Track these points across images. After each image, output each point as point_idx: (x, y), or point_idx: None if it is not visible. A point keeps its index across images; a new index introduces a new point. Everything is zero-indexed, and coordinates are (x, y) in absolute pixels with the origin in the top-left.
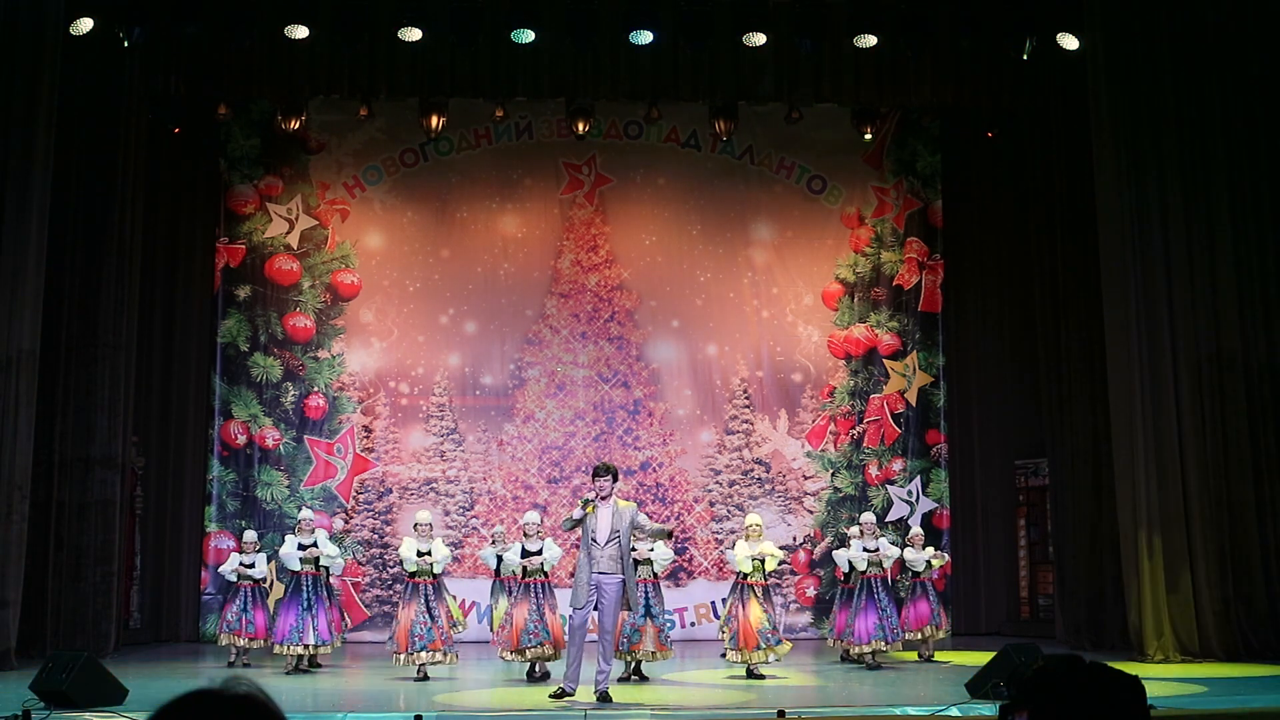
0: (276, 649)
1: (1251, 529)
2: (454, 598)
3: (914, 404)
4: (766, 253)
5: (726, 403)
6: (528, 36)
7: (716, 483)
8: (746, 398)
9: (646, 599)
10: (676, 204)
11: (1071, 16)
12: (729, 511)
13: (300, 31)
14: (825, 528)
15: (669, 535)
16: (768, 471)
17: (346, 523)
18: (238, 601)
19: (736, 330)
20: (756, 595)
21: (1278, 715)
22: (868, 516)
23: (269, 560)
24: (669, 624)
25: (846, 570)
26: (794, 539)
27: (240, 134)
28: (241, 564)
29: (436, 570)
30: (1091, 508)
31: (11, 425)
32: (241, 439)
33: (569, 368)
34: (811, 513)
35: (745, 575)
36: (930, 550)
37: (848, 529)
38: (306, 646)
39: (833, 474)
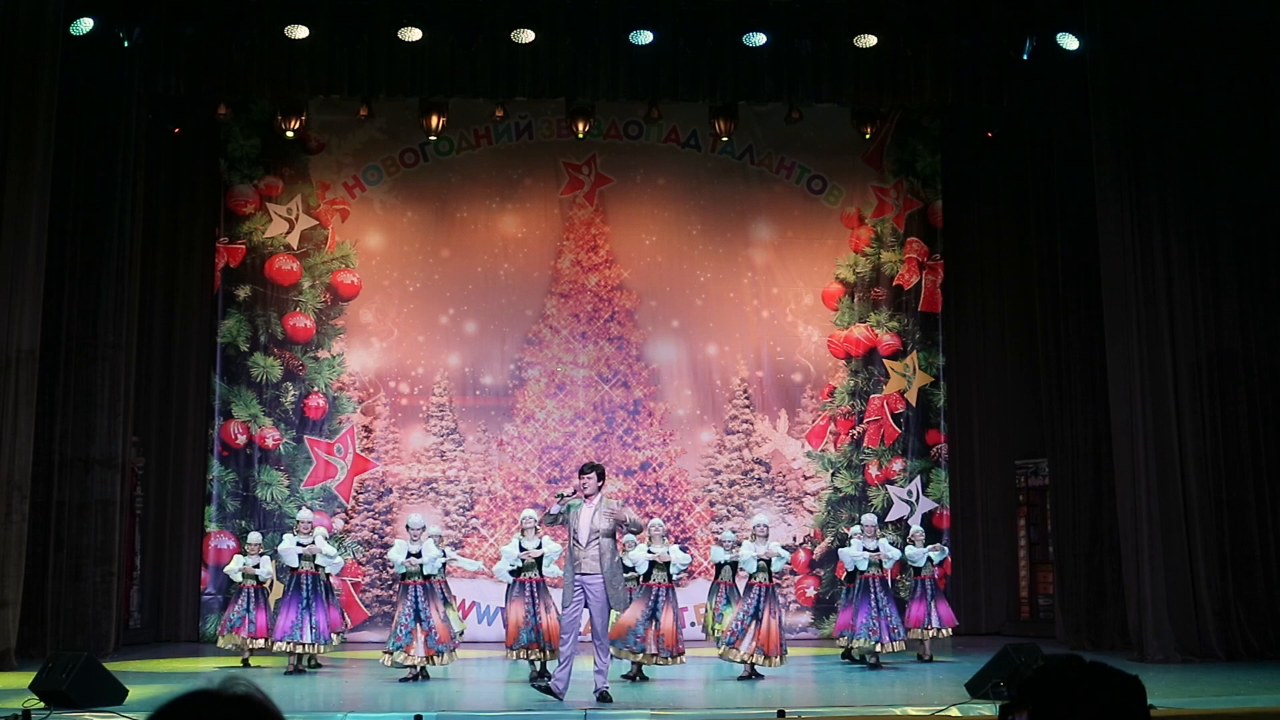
0: (275, 647)
1: (1251, 529)
2: (451, 599)
3: (914, 404)
4: (766, 253)
5: (726, 403)
6: (528, 36)
7: (716, 483)
8: (746, 398)
9: (657, 602)
10: (676, 204)
11: (1071, 16)
12: (729, 511)
13: (300, 31)
14: (825, 528)
15: (638, 530)
16: (768, 471)
17: (346, 523)
18: (240, 602)
19: (736, 330)
20: (775, 598)
21: (1278, 715)
22: (869, 518)
23: (272, 560)
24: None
25: (850, 569)
26: (794, 539)
27: (240, 134)
28: (246, 565)
29: (427, 571)
30: (1091, 508)
31: (11, 425)
32: (241, 439)
33: (569, 368)
34: (811, 513)
35: (753, 576)
36: (933, 545)
37: (848, 529)
38: (304, 645)
39: (833, 474)
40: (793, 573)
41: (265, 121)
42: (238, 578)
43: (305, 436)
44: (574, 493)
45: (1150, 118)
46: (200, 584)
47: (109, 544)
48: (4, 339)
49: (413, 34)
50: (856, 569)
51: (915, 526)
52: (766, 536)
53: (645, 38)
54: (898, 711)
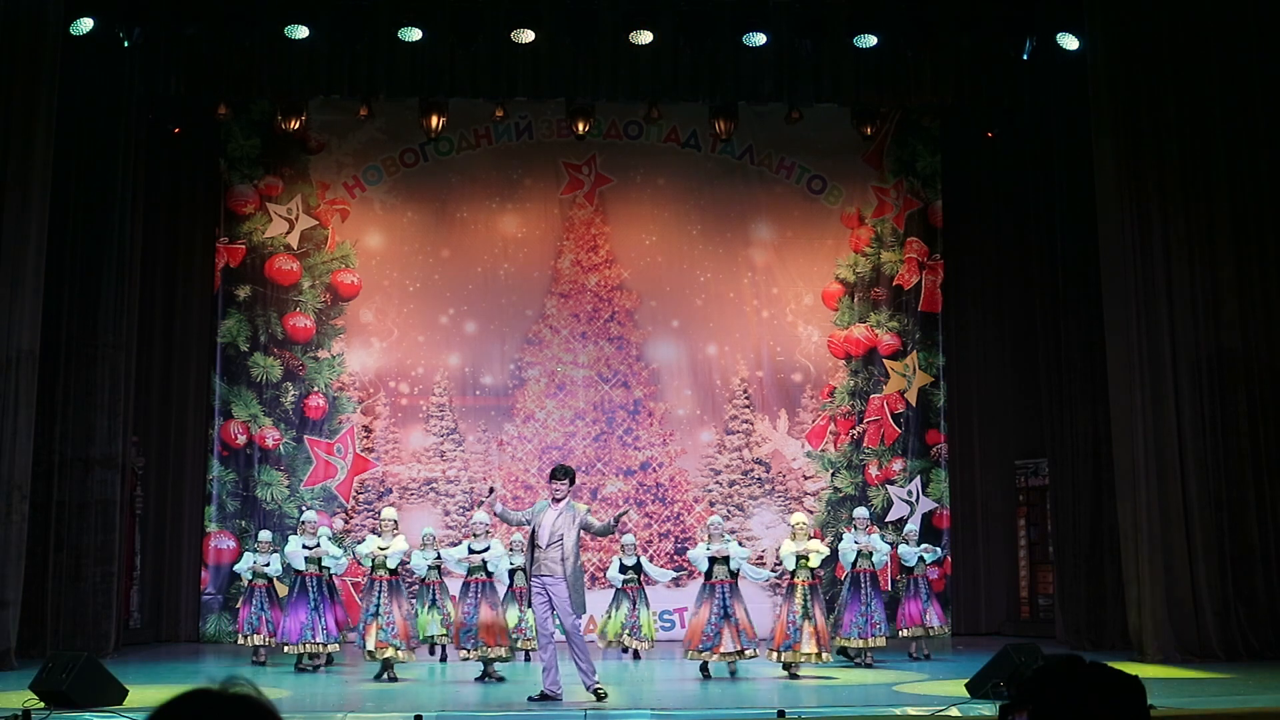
0: (288, 649)
1: (1251, 529)
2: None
3: (914, 404)
4: (766, 253)
5: (726, 403)
6: (528, 36)
7: (716, 483)
8: (746, 398)
9: (725, 598)
10: (676, 204)
11: (1071, 16)
12: (729, 511)
13: (300, 31)
14: (825, 528)
15: (611, 531)
16: (768, 471)
17: (346, 523)
18: (254, 601)
19: (736, 330)
20: (819, 595)
21: (1278, 715)
22: (860, 511)
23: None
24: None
25: (848, 568)
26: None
27: (240, 134)
28: (256, 564)
29: (390, 565)
30: (1091, 508)
31: (11, 425)
32: (241, 439)
33: (569, 368)
34: (811, 513)
35: (792, 574)
36: (924, 546)
37: (848, 529)
38: (319, 646)
39: (833, 474)
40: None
41: (265, 121)
42: (248, 576)
43: (305, 436)
44: (490, 491)
45: (1150, 118)
46: (200, 584)
47: (109, 544)
48: (4, 339)
49: (413, 34)
50: (852, 566)
51: (910, 526)
52: (810, 535)
53: (645, 38)
54: (898, 711)
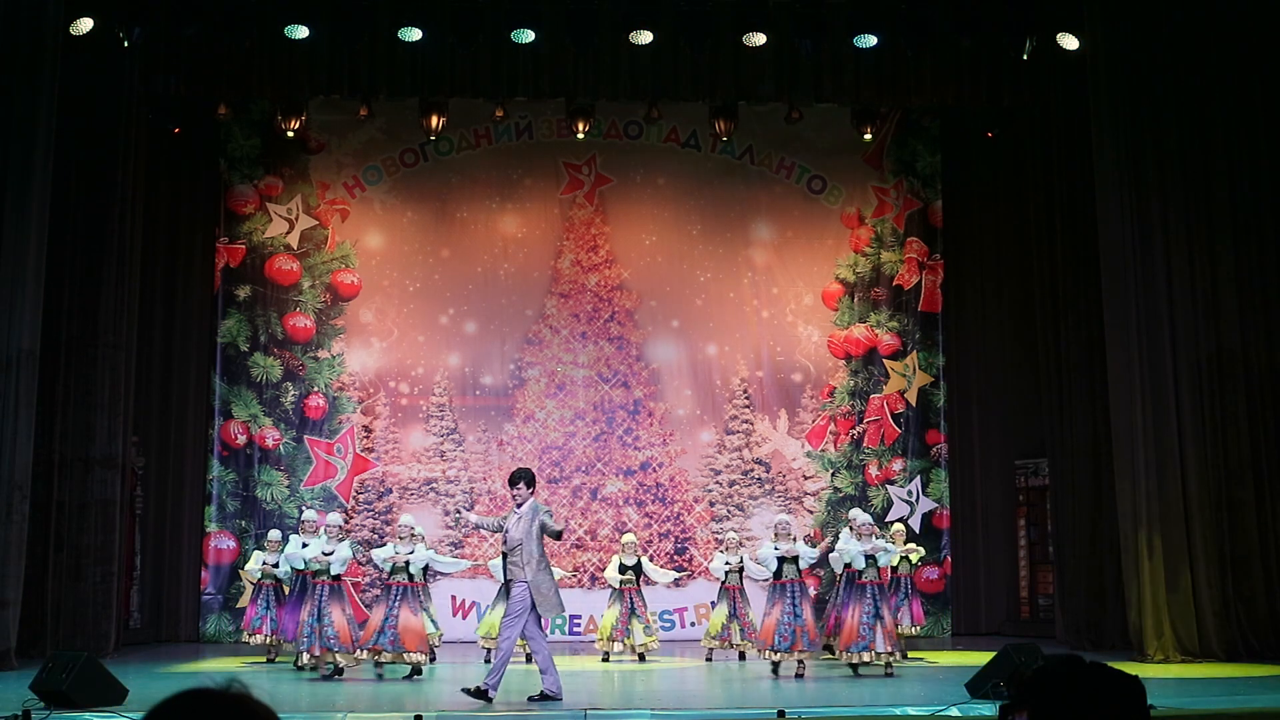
0: (285, 647)
1: (1251, 529)
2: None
3: (914, 404)
4: (766, 253)
5: (726, 403)
6: (528, 36)
7: (716, 483)
8: (746, 398)
9: (794, 598)
10: (676, 204)
11: (1071, 16)
12: (729, 511)
13: (300, 31)
14: (825, 528)
15: (558, 535)
16: (768, 471)
17: (346, 523)
18: (260, 601)
19: (736, 330)
20: (887, 594)
21: (1278, 715)
22: (854, 513)
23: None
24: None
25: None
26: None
27: (240, 134)
28: (265, 563)
29: (334, 571)
30: (1091, 508)
31: (11, 425)
32: (241, 439)
33: (569, 368)
34: (811, 513)
35: (861, 574)
36: (909, 546)
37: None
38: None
39: (833, 474)
40: None
41: (265, 121)
42: (256, 576)
43: (305, 436)
44: (458, 515)
45: (1150, 118)
46: (200, 584)
47: (109, 544)
48: (4, 339)
49: (413, 34)
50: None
51: (896, 525)
52: (873, 535)
53: (645, 38)
54: (898, 711)
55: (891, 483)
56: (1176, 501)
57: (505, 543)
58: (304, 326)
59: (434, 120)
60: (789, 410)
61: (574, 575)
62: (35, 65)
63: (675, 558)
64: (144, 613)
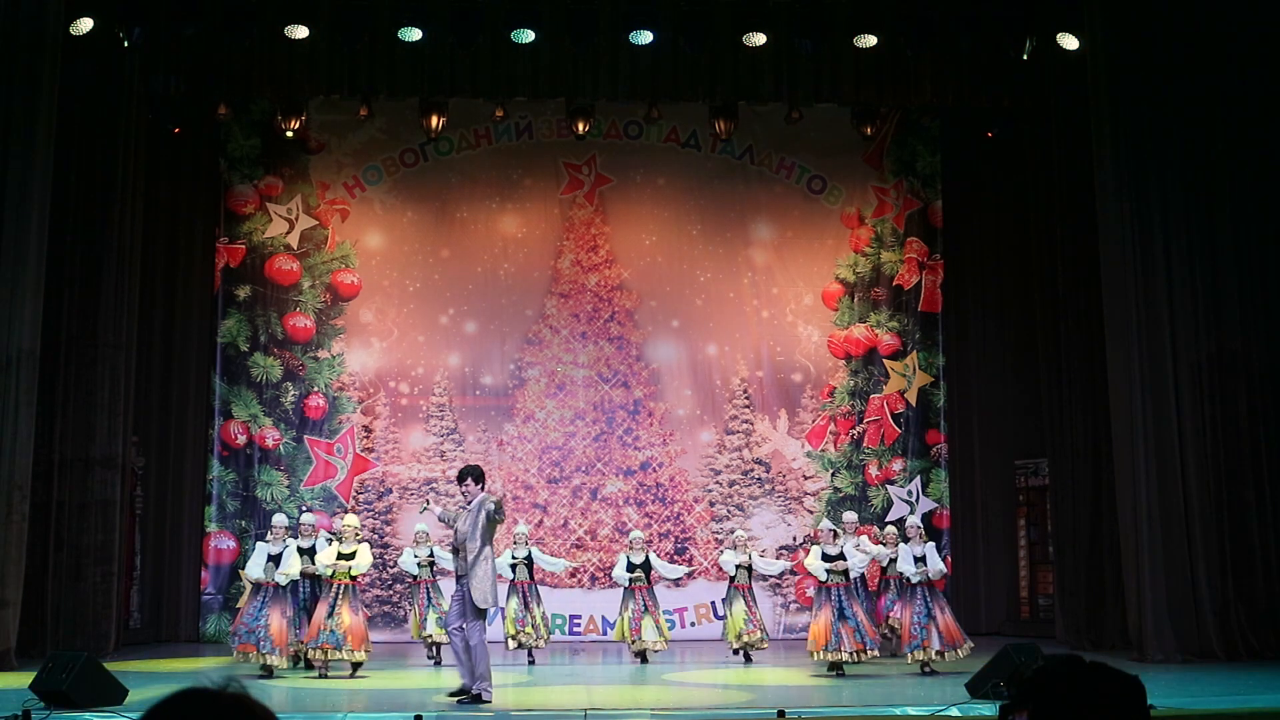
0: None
1: (1251, 529)
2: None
3: (914, 404)
4: (766, 253)
5: (726, 403)
6: (528, 36)
7: (716, 483)
8: (746, 398)
9: (841, 601)
10: (676, 204)
11: (1071, 16)
12: (729, 511)
13: (300, 31)
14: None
15: (497, 515)
16: (768, 471)
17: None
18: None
19: (736, 330)
20: (939, 594)
21: (1278, 715)
22: (848, 515)
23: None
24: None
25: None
26: (794, 539)
27: (240, 134)
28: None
29: (293, 574)
30: (1091, 508)
31: (11, 425)
32: (241, 439)
33: (569, 368)
34: (811, 513)
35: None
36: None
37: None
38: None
39: (833, 474)
40: (793, 573)
41: (265, 121)
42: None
43: (305, 436)
44: (425, 509)
45: (1150, 118)
46: (200, 584)
47: (109, 544)
48: (4, 339)
49: (413, 34)
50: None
51: (888, 528)
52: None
53: (645, 38)
54: (898, 711)
55: (891, 483)
56: (1176, 502)
57: (455, 538)
58: (304, 326)
59: (434, 120)
60: (789, 410)
61: (574, 576)
62: (35, 65)
63: (675, 558)
64: (144, 613)
